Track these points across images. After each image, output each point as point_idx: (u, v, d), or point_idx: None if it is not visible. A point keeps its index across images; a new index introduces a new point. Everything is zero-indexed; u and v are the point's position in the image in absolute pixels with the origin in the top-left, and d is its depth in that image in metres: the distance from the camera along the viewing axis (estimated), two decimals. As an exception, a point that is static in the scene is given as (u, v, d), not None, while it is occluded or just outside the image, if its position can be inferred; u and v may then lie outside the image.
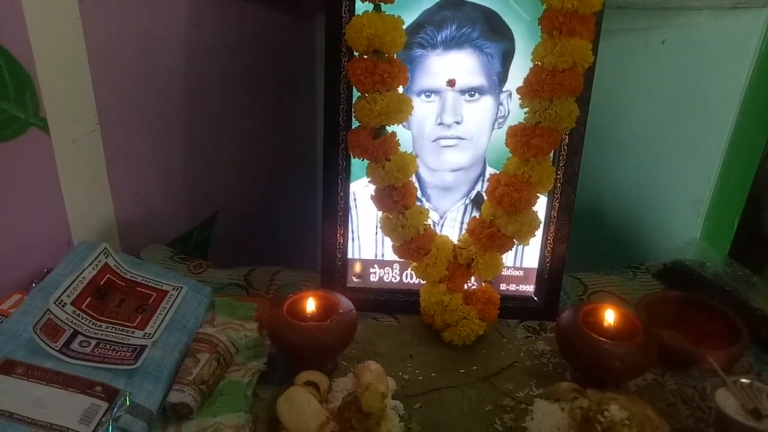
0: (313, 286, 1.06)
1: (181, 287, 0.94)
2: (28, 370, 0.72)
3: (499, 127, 1.01)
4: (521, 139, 0.91)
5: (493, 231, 0.95)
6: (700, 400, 0.89)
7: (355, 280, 1.08)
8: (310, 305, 0.91)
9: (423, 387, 0.90)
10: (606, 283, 1.18)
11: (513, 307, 1.06)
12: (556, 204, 1.01)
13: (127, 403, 0.73)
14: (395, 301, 1.07)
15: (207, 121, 1.31)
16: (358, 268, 1.07)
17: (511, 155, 0.94)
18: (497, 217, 0.94)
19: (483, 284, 1.02)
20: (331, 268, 1.05)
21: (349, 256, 1.06)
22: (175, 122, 1.23)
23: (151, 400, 0.76)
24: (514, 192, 0.91)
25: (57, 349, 0.75)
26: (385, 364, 0.93)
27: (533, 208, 0.94)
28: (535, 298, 1.07)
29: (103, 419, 0.70)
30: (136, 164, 1.15)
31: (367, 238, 1.06)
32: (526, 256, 1.06)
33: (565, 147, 0.98)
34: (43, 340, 0.75)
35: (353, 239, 1.05)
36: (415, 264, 0.99)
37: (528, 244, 0.98)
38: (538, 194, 0.94)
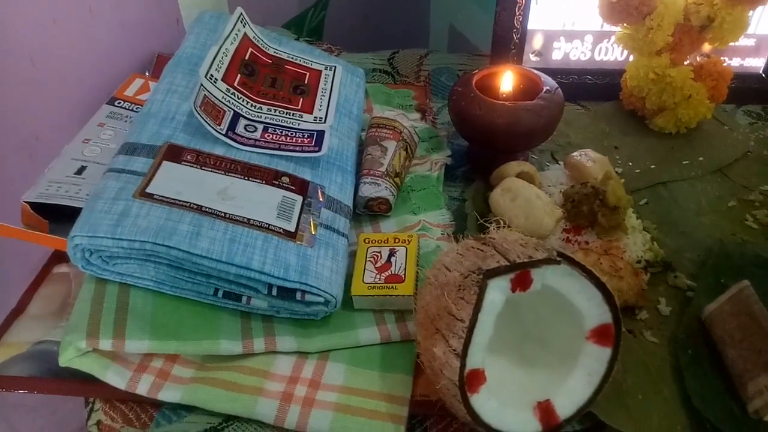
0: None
1: (335, 66, 0.75)
2: (199, 157, 0.57)
3: None
4: None
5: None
6: None
7: (534, 58, 0.86)
8: (506, 82, 0.72)
9: (645, 181, 0.73)
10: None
11: (733, 87, 0.84)
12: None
13: (325, 197, 0.58)
14: (583, 84, 0.86)
15: None
16: (538, 42, 0.85)
17: None
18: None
19: (708, 55, 0.79)
20: (505, 42, 0.83)
21: (530, 26, 0.83)
22: None
23: (344, 194, 0.62)
24: None
25: (223, 132, 0.59)
26: (586, 157, 0.76)
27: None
28: (764, 75, 0.85)
29: (303, 215, 0.56)
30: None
31: (552, 2, 0.82)
32: (763, 20, 0.81)
33: None
34: (206, 120, 0.58)
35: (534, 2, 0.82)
36: (627, 30, 0.76)
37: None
38: None
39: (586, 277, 0.45)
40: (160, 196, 0.52)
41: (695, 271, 0.62)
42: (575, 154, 0.70)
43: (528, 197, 0.62)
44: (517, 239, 0.45)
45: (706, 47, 0.81)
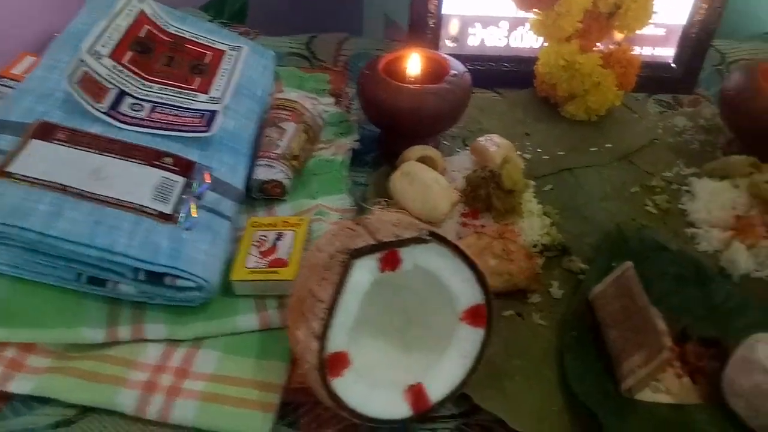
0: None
1: (241, 46, 0.73)
2: (73, 136, 0.54)
3: None
4: None
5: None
6: None
7: (450, 44, 0.85)
8: (414, 65, 0.71)
9: (552, 167, 0.73)
10: (747, 51, 0.96)
11: (644, 76, 0.85)
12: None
13: (212, 179, 0.56)
14: (499, 71, 0.86)
15: None
16: (454, 27, 0.84)
17: None
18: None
19: (619, 43, 0.80)
20: (420, 27, 0.82)
21: (444, 11, 0.82)
22: None
23: (235, 176, 0.59)
24: None
25: (104, 111, 0.56)
26: (499, 143, 0.76)
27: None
28: (673, 65, 0.86)
29: (184, 197, 0.53)
30: None
31: (468, -13, 0.81)
32: (672, 10, 0.82)
33: None
34: (83, 98, 0.55)
35: (449, -12, 0.81)
36: (539, 16, 0.76)
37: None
38: None
39: (458, 257, 0.44)
40: (21, 175, 0.49)
41: (592, 256, 0.62)
42: (480, 139, 0.69)
43: (425, 181, 0.61)
44: (391, 220, 0.44)
45: (618, 36, 0.82)
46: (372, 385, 0.44)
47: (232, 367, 0.48)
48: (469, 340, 0.45)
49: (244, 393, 0.46)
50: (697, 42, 0.83)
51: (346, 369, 0.42)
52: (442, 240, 0.44)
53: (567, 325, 0.54)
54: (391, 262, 0.42)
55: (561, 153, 0.76)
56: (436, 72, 0.70)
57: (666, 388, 0.49)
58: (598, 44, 0.79)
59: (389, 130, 0.72)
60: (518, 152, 0.75)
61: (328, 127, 0.74)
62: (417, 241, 0.42)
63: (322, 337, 0.40)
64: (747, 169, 0.67)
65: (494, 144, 0.68)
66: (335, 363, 0.41)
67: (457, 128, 0.79)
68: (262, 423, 0.45)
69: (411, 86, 0.67)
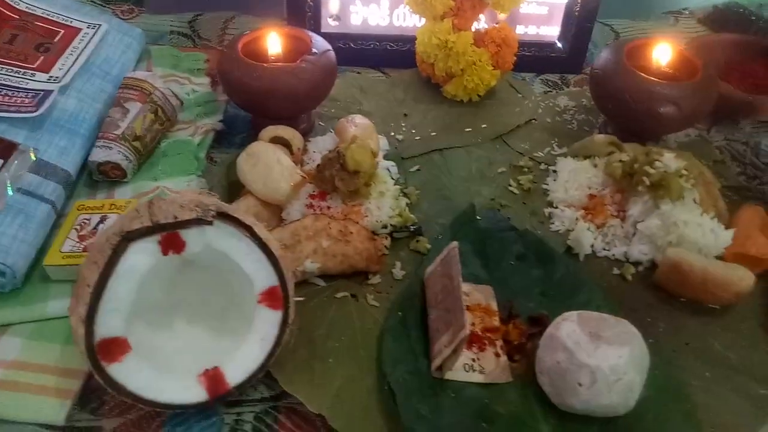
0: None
1: (99, 25, 0.70)
2: None
3: None
4: None
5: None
6: (753, 155, 0.74)
7: (332, 22, 0.84)
8: (274, 44, 0.69)
9: (421, 148, 0.73)
10: (642, 30, 0.96)
11: (530, 56, 0.85)
12: None
13: (32, 159, 0.54)
14: (384, 51, 0.84)
15: None
16: (335, 5, 0.82)
17: None
18: None
19: (498, 22, 0.79)
20: (299, 5, 0.81)
21: (324, -12, 0.80)
22: None
23: (66, 159, 0.57)
24: None
25: None
26: (374, 125, 0.75)
27: None
28: (559, 45, 0.86)
29: (-3, 179, 0.51)
30: None
31: (346, -36, 0.80)
32: (552, -13, 0.82)
33: None
34: None
35: (327, -35, 0.79)
36: (411, -7, 0.75)
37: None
38: None
39: (250, 238, 0.43)
40: None
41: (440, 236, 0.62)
42: (343, 119, 0.68)
43: (267, 162, 0.59)
44: (180, 200, 0.43)
45: (501, 15, 0.81)
46: (163, 370, 0.43)
47: (36, 353, 0.47)
48: (267, 322, 0.44)
49: (44, 380, 0.45)
50: (580, 20, 0.82)
51: (125, 354, 0.41)
52: (236, 222, 0.43)
53: (395, 306, 0.53)
54: (173, 245, 0.41)
55: (434, 134, 0.75)
56: (299, 51, 0.69)
57: (481, 367, 0.49)
58: (476, 23, 0.79)
59: (251, 111, 0.70)
60: (392, 133, 0.75)
61: (193, 107, 0.72)
62: (198, 222, 0.41)
63: (88, 321, 0.39)
64: (607, 148, 0.67)
65: (354, 124, 0.66)
66: (109, 348, 0.40)
67: (336, 108, 0.78)
68: (59, 410, 0.44)
69: (265, 65, 0.65)
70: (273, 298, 0.44)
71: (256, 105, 0.67)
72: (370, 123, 0.68)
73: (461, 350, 0.46)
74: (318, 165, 0.61)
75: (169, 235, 0.41)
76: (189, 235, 0.42)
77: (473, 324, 0.52)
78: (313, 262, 0.54)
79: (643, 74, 0.67)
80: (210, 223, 0.42)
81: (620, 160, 0.63)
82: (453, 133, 0.75)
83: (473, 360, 0.49)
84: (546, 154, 0.73)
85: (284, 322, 0.44)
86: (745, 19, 0.93)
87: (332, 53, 0.69)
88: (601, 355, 0.43)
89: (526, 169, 0.71)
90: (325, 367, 0.48)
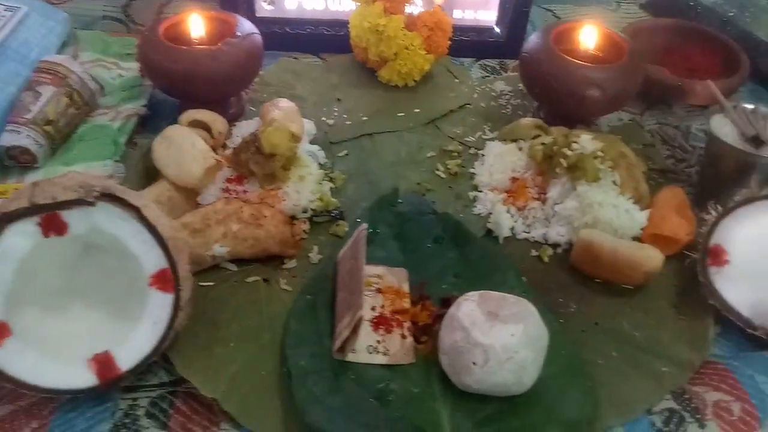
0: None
1: (19, 7, 0.68)
2: None
3: None
4: None
5: None
6: (682, 139, 0.74)
7: (267, 7, 0.82)
8: (197, 27, 0.68)
9: (351, 132, 0.72)
10: (583, 14, 0.96)
11: (469, 41, 0.85)
12: None
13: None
14: (320, 36, 0.84)
15: None
16: (269, -11, 0.81)
17: None
18: None
19: (432, 6, 0.79)
20: (232, -11, 0.79)
21: (256, -29, 0.79)
22: None
23: (-30, 143, 0.56)
24: None
25: None
26: (305, 109, 0.74)
27: None
28: (497, 29, 0.85)
29: None
30: None
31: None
32: (488, -28, 0.81)
33: None
34: None
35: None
36: (341, -24, 0.74)
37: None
38: None
39: (138, 220, 0.42)
40: None
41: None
42: (267, 103, 0.67)
43: (181, 145, 0.58)
44: (65, 181, 0.42)
45: (436, 0, 0.81)
46: (51, 355, 0.42)
47: None
48: (159, 305, 0.44)
49: None
50: (516, 5, 0.82)
51: (6, 339, 0.40)
52: (120, 202, 0.42)
53: (306, 289, 0.53)
54: (55, 227, 0.40)
55: (365, 119, 0.74)
56: (223, 34, 0.68)
57: (385, 349, 0.49)
58: (410, 7, 0.78)
59: (174, 95, 0.69)
60: (323, 118, 0.74)
61: (118, 92, 0.70)
62: (80, 203, 0.40)
63: (-41, 306, 0.38)
64: (532, 131, 0.67)
65: (277, 108, 0.66)
66: (-15, 333, 0.39)
67: (268, 93, 0.77)
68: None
69: (184, 48, 0.64)
70: (164, 280, 0.43)
71: (177, 89, 0.66)
72: (294, 106, 0.67)
73: (358, 331, 0.46)
74: (234, 148, 0.60)
75: (49, 216, 0.40)
76: (71, 217, 0.41)
77: (383, 306, 0.52)
78: (222, 246, 0.53)
79: (568, 57, 0.67)
80: (92, 204, 0.41)
81: (542, 143, 0.63)
82: (385, 117, 0.75)
83: (378, 342, 0.49)
84: (477, 139, 0.73)
85: (176, 305, 0.44)
86: (685, 5, 0.93)
87: (257, 36, 0.68)
88: (495, 334, 0.43)
89: (455, 154, 0.71)
90: (225, 351, 0.48)
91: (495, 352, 0.43)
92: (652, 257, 0.54)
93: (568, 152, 0.59)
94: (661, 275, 0.57)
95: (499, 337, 0.43)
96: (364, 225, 0.52)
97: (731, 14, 0.88)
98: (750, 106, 0.64)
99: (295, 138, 0.64)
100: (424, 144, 0.72)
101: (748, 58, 0.80)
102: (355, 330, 0.45)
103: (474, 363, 0.43)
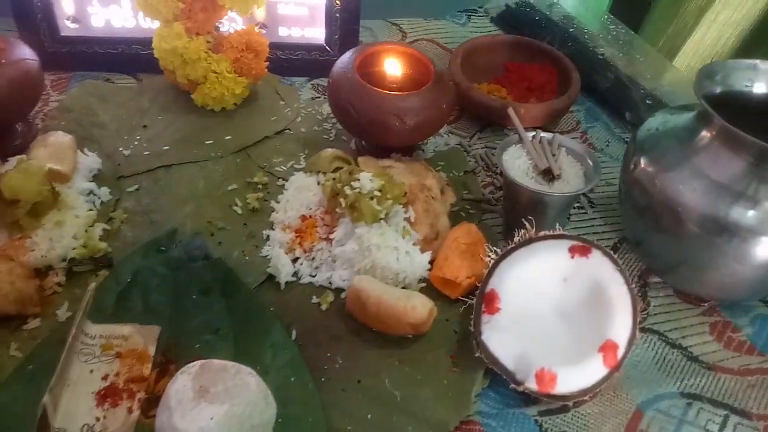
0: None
1: None
2: None
3: None
4: None
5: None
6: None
7: (71, 25, 0.76)
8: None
9: (147, 164, 0.67)
10: (431, 29, 0.92)
11: (299, 59, 0.80)
12: None
13: None
14: (135, 55, 0.78)
15: None
16: (69, 6, 0.74)
17: None
18: None
19: (257, 24, 0.74)
20: (25, 6, 0.72)
21: (52, -14, 0.72)
22: None
23: None
24: None
25: None
26: (103, 139, 0.69)
27: None
28: (328, 48, 0.81)
29: None
30: None
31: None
32: (311, -12, 0.76)
33: None
34: None
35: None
36: (137, -7, 0.68)
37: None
38: None
39: None
40: None
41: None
42: (39, 137, 0.61)
43: None
44: None
45: (259, 17, 0.76)
46: None
47: None
48: None
49: None
50: (343, 22, 0.78)
51: None
52: None
53: (29, 359, 0.47)
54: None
55: (166, 148, 0.69)
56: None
57: (103, 426, 0.44)
58: (223, 26, 0.73)
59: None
60: (120, 148, 0.68)
61: None
62: None
63: None
64: (333, 164, 0.63)
65: (44, 144, 0.60)
66: None
67: (67, 121, 0.70)
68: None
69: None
70: None
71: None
72: (68, 140, 0.61)
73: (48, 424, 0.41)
74: None
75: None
76: None
77: (117, 374, 0.47)
78: (-65, 311, 0.47)
79: (367, 84, 0.62)
80: None
81: (333, 179, 0.59)
82: (190, 146, 0.69)
83: (97, 419, 0.44)
84: (288, 169, 0.68)
85: None
86: (532, 20, 0.91)
87: (30, 62, 0.62)
88: (193, 417, 0.39)
89: (260, 186, 0.66)
90: None
91: (189, 438, 0.38)
92: (417, 308, 0.50)
93: (348, 191, 0.55)
94: (446, 321, 0.54)
95: (197, 420, 0.39)
96: (92, 285, 0.47)
97: (571, 30, 0.87)
98: (548, 135, 0.61)
99: (62, 177, 0.58)
100: (228, 175, 0.67)
101: (579, 76, 0.78)
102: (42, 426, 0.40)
103: (175, 449, 0.39)
